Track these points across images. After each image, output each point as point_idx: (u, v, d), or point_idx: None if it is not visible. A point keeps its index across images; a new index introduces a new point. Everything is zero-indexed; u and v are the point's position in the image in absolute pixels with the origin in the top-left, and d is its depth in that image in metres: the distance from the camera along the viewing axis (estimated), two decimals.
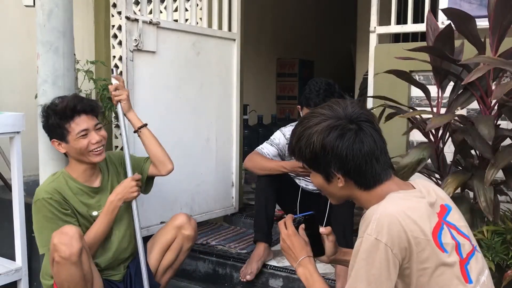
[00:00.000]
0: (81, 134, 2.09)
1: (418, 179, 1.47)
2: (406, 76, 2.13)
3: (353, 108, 1.36)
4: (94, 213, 2.19)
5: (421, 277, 1.24)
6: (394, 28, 2.85)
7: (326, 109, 1.38)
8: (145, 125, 2.35)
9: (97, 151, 2.13)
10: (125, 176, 2.32)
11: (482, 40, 1.95)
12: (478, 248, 1.38)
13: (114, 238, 2.25)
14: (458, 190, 2.05)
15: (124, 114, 2.33)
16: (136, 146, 2.66)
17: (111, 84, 2.34)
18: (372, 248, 1.22)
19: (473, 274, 1.30)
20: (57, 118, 2.10)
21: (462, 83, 1.85)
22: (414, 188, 1.38)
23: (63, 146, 2.14)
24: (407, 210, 1.26)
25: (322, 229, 1.57)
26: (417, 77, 2.68)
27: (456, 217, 1.37)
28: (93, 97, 3.55)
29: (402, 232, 1.22)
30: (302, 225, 1.55)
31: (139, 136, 2.35)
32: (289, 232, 1.52)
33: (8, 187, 3.11)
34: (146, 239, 2.39)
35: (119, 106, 2.32)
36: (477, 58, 1.88)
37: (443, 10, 1.94)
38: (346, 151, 1.31)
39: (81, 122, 2.10)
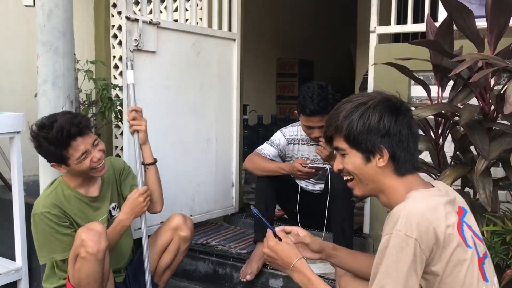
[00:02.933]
0: (81, 158, 2.03)
1: (436, 181, 1.50)
2: (407, 71, 2.12)
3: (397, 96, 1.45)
4: None
5: (448, 271, 1.27)
6: (394, 28, 2.85)
7: (374, 93, 1.44)
8: (155, 162, 2.30)
9: (99, 167, 2.10)
10: (121, 188, 2.32)
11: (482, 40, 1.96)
12: (488, 253, 1.42)
13: (127, 245, 2.32)
14: (459, 187, 2.06)
15: (140, 145, 2.28)
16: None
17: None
18: (402, 244, 1.24)
19: (489, 273, 1.35)
20: (52, 147, 2.00)
21: (449, 75, 1.87)
22: (433, 187, 1.41)
23: (63, 167, 2.08)
24: (433, 207, 1.29)
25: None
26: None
27: (472, 220, 1.41)
28: (93, 97, 3.56)
29: (430, 228, 1.25)
30: (278, 229, 1.59)
31: (145, 170, 2.29)
32: (271, 243, 1.53)
33: (8, 187, 3.11)
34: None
35: (135, 135, 2.27)
36: (467, 55, 1.88)
37: (442, 1, 1.94)
38: (401, 129, 1.36)
39: (79, 146, 2.01)
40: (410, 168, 1.39)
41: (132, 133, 2.28)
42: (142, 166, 2.29)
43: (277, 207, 2.91)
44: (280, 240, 1.55)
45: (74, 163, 2.04)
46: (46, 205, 2.04)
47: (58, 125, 1.97)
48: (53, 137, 1.97)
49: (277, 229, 1.60)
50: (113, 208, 2.28)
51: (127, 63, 2.30)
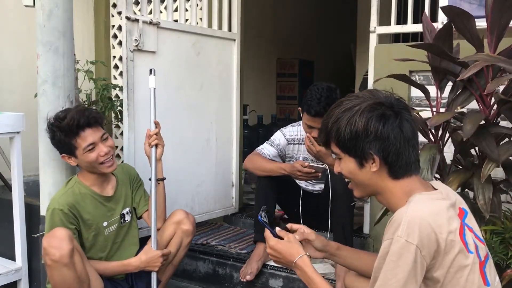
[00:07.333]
0: (88, 148, 2.11)
1: (435, 181, 1.48)
2: (406, 79, 2.13)
3: (392, 96, 1.40)
4: (105, 223, 2.21)
5: (449, 278, 1.26)
6: (394, 28, 2.85)
7: (367, 93, 1.40)
8: (163, 179, 2.35)
9: (107, 162, 2.15)
10: (134, 192, 2.36)
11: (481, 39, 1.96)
12: (489, 253, 1.41)
13: (132, 254, 2.31)
14: (459, 190, 2.06)
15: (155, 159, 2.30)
16: (137, 153, 2.66)
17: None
18: (402, 250, 1.23)
19: (491, 276, 1.33)
20: (62, 135, 2.11)
21: (458, 79, 1.86)
22: (435, 189, 1.39)
23: (73, 160, 2.17)
24: (436, 212, 1.27)
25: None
26: (416, 77, 2.68)
27: (472, 221, 1.40)
28: (93, 97, 3.56)
29: (432, 234, 1.24)
30: (278, 228, 1.60)
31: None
32: (271, 243, 1.55)
33: (8, 187, 3.11)
34: (145, 239, 2.39)
35: (153, 150, 2.28)
36: (476, 56, 1.88)
37: (442, 8, 1.95)
38: (389, 133, 1.33)
39: (87, 137, 2.10)
40: (407, 171, 1.37)
41: (150, 147, 2.29)
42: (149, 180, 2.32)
43: (277, 207, 2.91)
44: (282, 239, 1.56)
45: (81, 154, 2.11)
46: (61, 203, 2.10)
47: (70, 116, 2.11)
48: (65, 126, 2.09)
49: (277, 229, 1.60)
50: (127, 213, 2.31)
51: (150, 69, 2.26)
